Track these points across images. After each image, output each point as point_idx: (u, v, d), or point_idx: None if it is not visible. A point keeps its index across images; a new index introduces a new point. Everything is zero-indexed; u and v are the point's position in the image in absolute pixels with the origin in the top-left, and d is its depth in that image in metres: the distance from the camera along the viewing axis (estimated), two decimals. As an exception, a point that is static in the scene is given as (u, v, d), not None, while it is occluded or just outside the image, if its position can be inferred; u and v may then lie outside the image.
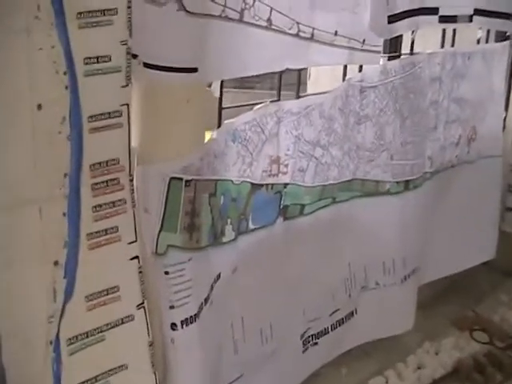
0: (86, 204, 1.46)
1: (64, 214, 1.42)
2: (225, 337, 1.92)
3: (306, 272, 2.16)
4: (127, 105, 1.47)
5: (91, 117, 1.41)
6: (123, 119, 1.48)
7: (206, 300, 1.71)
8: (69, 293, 1.46)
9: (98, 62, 1.39)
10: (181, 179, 1.53)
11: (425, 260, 2.59)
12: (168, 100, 1.47)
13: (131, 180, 1.53)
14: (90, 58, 1.37)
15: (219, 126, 1.80)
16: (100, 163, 1.46)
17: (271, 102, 1.88)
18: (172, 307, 1.59)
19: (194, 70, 1.47)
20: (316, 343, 2.28)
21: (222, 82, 1.72)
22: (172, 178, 1.51)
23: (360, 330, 2.41)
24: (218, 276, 1.80)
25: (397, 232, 2.40)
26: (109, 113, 1.45)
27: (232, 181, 1.78)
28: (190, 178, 1.54)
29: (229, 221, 1.81)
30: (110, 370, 1.55)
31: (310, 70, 4.06)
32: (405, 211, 2.41)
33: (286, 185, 2.00)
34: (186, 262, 1.58)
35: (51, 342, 1.43)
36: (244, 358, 2.01)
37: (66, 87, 1.35)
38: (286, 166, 1.99)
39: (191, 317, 1.63)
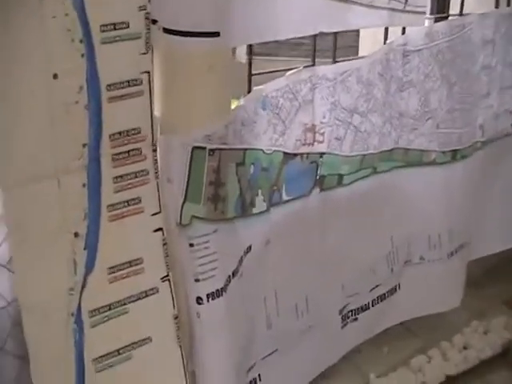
0: (107, 175, 1.43)
1: (84, 185, 1.40)
2: (257, 311, 1.88)
3: (344, 246, 2.08)
4: (148, 72, 1.42)
5: (110, 85, 1.37)
6: (144, 87, 1.43)
7: (235, 273, 1.67)
8: (90, 265, 1.45)
9: (115, 29, 1.34)
10: (204, 148, 1.48)
11: (474, 235, 2.47)
12: (189, 67, 1.41)
13: (154, 150, 1.49)
14: (106, 25, 1.32)
15: (249, 93, 1.73)
16: (120, 133, 1.43)
17: (305, 67, 1.80)
18: (197, 280, 1.56)
19: (216, 34, 1.39)
20: (356, 319, 2.21)
21: (250, 47, 1.65)
22: (195, 148, 1.46)
23: (403, 306, 2.32)
24: (249, 248, 1.75)
25: (443, 204, 2.28)
26: (128, 81, 1.40)
27: (263, 150, 1.72)
28: (213, 146, 1.49)
29: (259, 191, 1.75)
30: (133, 343, 1.53)
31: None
32: (451, 182, 2.28)
33: (322, 154, 1.92)
34: (211, 234, 1.54)
35: (72, 314, 1.43)
36: (278, 333, 1.97)
37: (83, 55, 1.31)
38: (322, 134, 1.90)
39: (217, 290, 1.59)
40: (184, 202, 1.50)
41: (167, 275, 1.57)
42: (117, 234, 1.48)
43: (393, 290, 2.30)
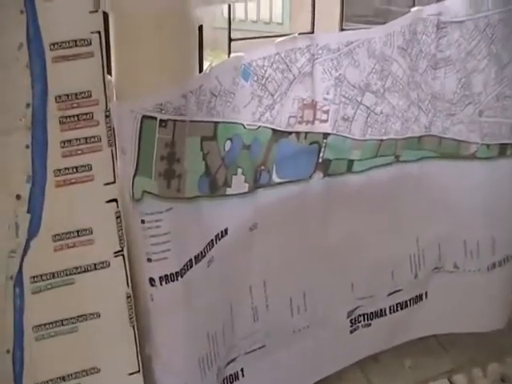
0: (54, 138, 1.44)
1: (27, 147, 1.42)
2: (239, 300, 1.82)
3: (355, 240, 1.95)
4: (98, 33, 1.41)
5: (54, 44, 1.38)
6: (94, 48, 1.42)
7: (199, 257, 1.62)
8: (34, 229, 1.47)
9: (58, -16, 1.34)
10: (154, 118, 1.43)
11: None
12: (136, 27, 1.37)
13: (107, 116, 1.48)
14: (47, -22, 1.33)
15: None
16: (68, 95, 1.43)
17: (300, 34, 1.67)
18: (149, 260, 1.53)
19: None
20: (369, 325, 2.07)
21: (229, 7, 1.56)
22: (144, 117, 1.43)
23: (431, 318, 2.14)
24: (224, 232, 1.69)
25: (483, 207, 2.06)
26: (75, 40, 1.40)
27: (243, 125, 1.64)
28: (166, 117, 1.44)
29: (239, 170, 1.68)
30: (79, 316, 1.54)
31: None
32: (496, 182, 2.05)
33: (326, 135, 1.80)
34: (164, 213, 1.50)
35: (11, 278, 1.46)
36: (266, 328, 1.89)
37: (22, 12, 1.33)
38: (326, 112, 1.78)
39: (172, 274, 1.55)
40: (135, 175, 1.48)
41: (121, 250, 1.56)
42: (64, 201, 1.49)
43: (417, 299, 2.12)
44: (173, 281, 1.56)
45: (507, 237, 2.14)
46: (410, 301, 2.10)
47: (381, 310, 2.07)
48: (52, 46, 1.38)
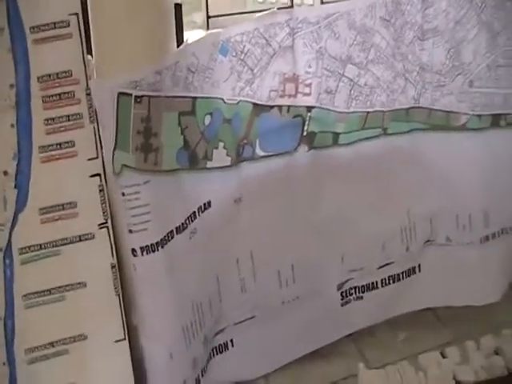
0: (38, 116, 1.64)
1: (12, 126, 1.62)
2: (226, 271, 1.99)
3: (344, 213, 2.10)
4: (76, 14, 1.59)
5: (34, 27, 1.57)
6: (72, 29, 1.60)
7: (181, 228, 1.79)
8: (21, 203, 1.67)
9: (34, -31, 1.52)
10: (130, 95, 1.60)
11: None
12: (110, 8, 1.54)
13: (88, 94, 1.66)
14: (24, -36, 1.50)
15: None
16: (50, 75, 1.62)
17: (279, 9, 1.82)
18: (130, 231, 1.71)
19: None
20: (361, 297, 2.23)
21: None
22: (120, 93, 1.59)
23: (425, 291, 2.28)
24: (207, 204, 1.86)
25: (475, 180, 2.18)
26: (54, 23, 1.58)
27: (223, 99, 1.80)
28: (140, 93, 1.61)
29: (221, 144, 1.84)
30: (66, 286, 1.75)
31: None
32: (490, 154, 2.16)
33: (310, 108, 1.94)
34: (142, 185, 1.68)
35: (1, 250, 1.67)
36: (255, 299, 2.07)
37: (1, -2, 1.51)
38: (309, 85, 1.92)
39: (152, 244, 1.73)
40: (114, 150, 1.65)
41: (105, 222, 1.76)
42: (49, 176, 1.68)
43: (410, 272, 2.26)
44: (153, 251, 1.74)
45: (502, 209, 2.25)
46: (402, 274, 2.24)
47: (372, 282, 2.22)
48: (32, 29, 1.57)
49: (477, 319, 2.34)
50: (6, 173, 1.65)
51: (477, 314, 2.33)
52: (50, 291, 1.75)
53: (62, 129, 1.67)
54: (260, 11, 1.79)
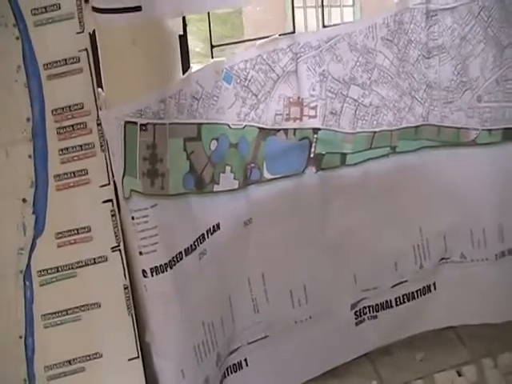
0: (53, 147, 1.94)
1: (29, 156, 1.93)
2: (238, 292, 2.27)
3: (355, 232, 2.36)
4: (86, 50, 1.90)
5: (47, 64, 1.87)
6: (82, 64, 1.91)
7: (189, 250, 2.07)
8: (39, 228, 1.98)
9: (46, 12, 1.83)
10: (135, 123, 1.89)
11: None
12: (114, 42, 1.84)
13: (99, 124, 1.96)
14: (37, 8, 1.82)
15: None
16: (63, 108, 1.92)
17: (281, 35, 2.10)
18: (141, 253, 1.99)
19: (138, 8, 1.79)
20: (375, 317, 2.48)
21: (208, 15, 1.99)
22: (127, 122, 1.88)
23: (441, 310, 2.51)
24: (216, 226, 2.14)
25: (489, 194, 2.40)
26: (65, 59, 1.89)
27: (228, 125, 2.08)
28: (145, 121, 1.89)
29: (228, 168, 2.12)
30: (81, 306, 2.05)
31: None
32: (502, 168, 2.38)
33: (316, 130, 2.21)
34: (149, 209, 1.96)
35: (21, 272, 1.98)
36: (268, 319, 2.34)
37: (17, 38, 1.83)
38: (314, 108, 2.19)
39: (161, 265, 2.00)
40: (124, 176, 1.94)
41: (117, 246, 2.06)
42: (64, 203, 1.99)
43: (425, 290, 2.50)
44: (163, 272, 2.01)
45: (517, 224, 2.48)
46: (416, 292, 2.49)
47: (386, 301, 2.46)
48: (46, 66, 1.87)
49: (497, 337, 2.56)
50: (24, 200, 1.95)
51: (498, 332, 2.55)
52: (66, 311, 2.05)
53: (76, 158, 1.97)
54: (262, 38, 2.08)
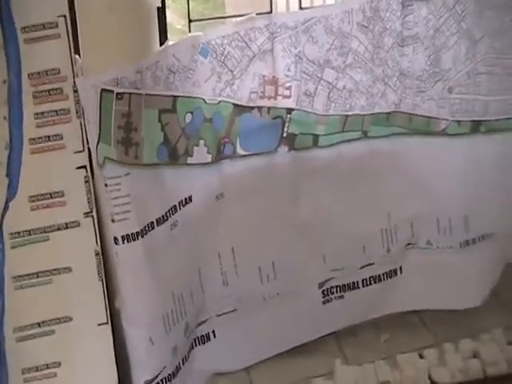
0: (28, 110, 1.86)
1: (4, 118, 1.85)
2: (208, 264, 2.19)
3: (325, 213, 2.28)
4: (64, 16, 1.82)
5: (25, 28, 1.80)
6: (60, 30, 1.83)
7: (161, 220, 1.99)
8: (12, 191, 1.89)
9: (26, -24, 1.75)
10: (111, 91, 1.81)
11: (504, 229, 2.43)
12: (91, 9, 1.76)
13: (75, 91, 1.88)
14: (17, -28, 1.74)
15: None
16: (39, 72, 1.85)
17: (258, 14, 2.02)
18: (113, 220, 1.91)
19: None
20: (342, 297, 2.39)
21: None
22: (103, 90, 1.80)
23: (406, 294, 2.43)
24: (188, 199, 2.06)
25: (455, 185, 2.33)
26: (43, 24, 1.81)
27: (204, 99, 2.00)
28: (121, 90, 1.81)
29: (201, 142, 2.04)
30: (53, 270, 1.96)
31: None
32: (469, 159, 2.31)
33: (289, 110, 2.13)
34: (123, 177, 1.88)
35: (-7, 234, 1.90)
36: (237, 293, 2.25)
37: (-4, 1, 1.75)
38: (289, 88, 2.11)
39: (133, 234, 1.92)
40: (98, 143, 1.86)
41: (90, 212, 1.97)
42: (39, 167, 1.91)
43: (391, 273, 2.42)
44: (134, 240, 1.93)
45: (482, 215, 2.39)
46: (383, 275, 2.41)
47: (353, 282, 2.38)
48: (23, 30, 1.80)
49: (459, 323, 2.48)
50: (-2, 162, 1.89)
51: (460, 319, 2.47)
52: (37, 274, 1.96)
53: (51, 122, 1.89)
54: (240, 16, 2.00)
